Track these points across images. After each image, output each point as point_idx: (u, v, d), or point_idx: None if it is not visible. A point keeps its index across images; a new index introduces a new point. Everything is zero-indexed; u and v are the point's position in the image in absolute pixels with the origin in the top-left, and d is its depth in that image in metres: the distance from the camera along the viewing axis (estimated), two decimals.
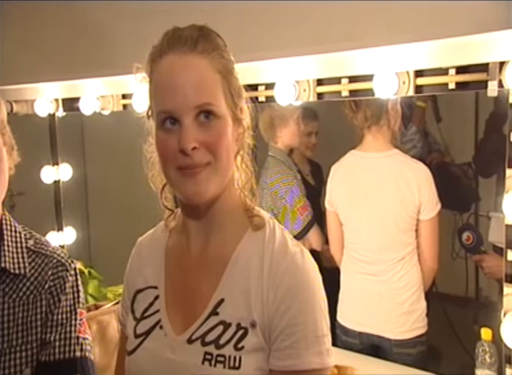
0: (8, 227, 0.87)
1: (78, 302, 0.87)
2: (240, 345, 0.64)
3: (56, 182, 1.83)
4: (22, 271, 0.84)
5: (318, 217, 1.80)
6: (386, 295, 1.48)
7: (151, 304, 0.73)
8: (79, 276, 0.90)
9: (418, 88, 1.14)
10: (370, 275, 1.50)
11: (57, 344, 0.82)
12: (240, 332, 0.65)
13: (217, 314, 0.66)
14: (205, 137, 0.63)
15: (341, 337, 1.55)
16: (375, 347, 1.52)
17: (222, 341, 0.65)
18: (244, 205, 0.70)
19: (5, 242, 0.84)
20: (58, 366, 0.82)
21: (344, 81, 1.26)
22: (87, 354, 0.85)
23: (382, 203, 1.47)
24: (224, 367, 0.64)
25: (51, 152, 1.81)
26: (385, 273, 1.48)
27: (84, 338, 0.86)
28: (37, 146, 1.77)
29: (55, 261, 0.86)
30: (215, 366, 0.65)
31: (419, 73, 1.14)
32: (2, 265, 0.82)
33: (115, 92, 1.66)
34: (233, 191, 0.70)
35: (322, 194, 1.77)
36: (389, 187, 1.47)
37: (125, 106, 1.66)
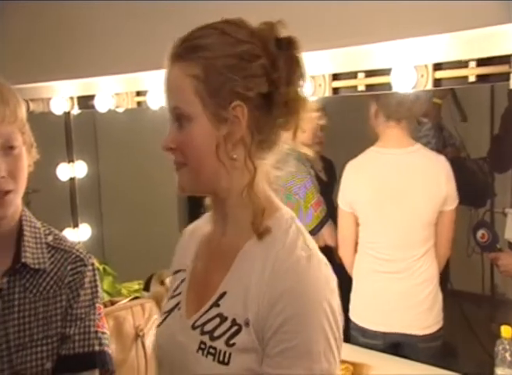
0: (28, 223, 0.88)
1: (96, 297, 0.88)
2: (231, 341, 0.64)
3: (72, 179, 1.85)
4: (42, 266, 0.84)
5: (331, 213, 1.80)
6: (408, 292, 1.46)
7: (178, 286, 0.77)
8: (96, 272, 0.91)
9: (437, 82, 1.13)
10: (391, 273, 1.48)
11: (76, 338, 0.84)
12: (234, 328, 0.64)
13: (218, 306, 0.67)
14: (178, 139, 0.67)
15: (360, 338, 1.52)
16: (396, 345, 1.50)
17: (216, 334, 0.65)
18: (254, 206, 0.68)
19: (25, 238, 0.85)
20: (78, 359, 0.84)
21: (360, 75, 1.25)
22: (105, 348, 0.86)
23: (408, 199, 1.45)
24: (214, 360, 0.64)
25: (67, 150, 1.82)
26: (407, 270, 1.46)
27: (103, 332, 0.87)
28: (53, 144, 1.78)
29: (73, 256, 0.87)
30: (206, 356, 0.65)
31: (438, 67, 1.12)
32: (23, 260, 0.83)
33: (130, 89, 1.67)
34: (243, 191, 0.69)
35: (334, 190, 1.76)
36: (415, 183, 1.45)
37: (139, 103, 1.66)
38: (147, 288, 1.77)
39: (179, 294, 0.75)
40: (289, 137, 0.69)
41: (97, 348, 0.85)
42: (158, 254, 2.19)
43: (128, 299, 1.53)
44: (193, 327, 0.68)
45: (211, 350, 0.65)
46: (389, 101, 1.46)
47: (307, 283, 0.63)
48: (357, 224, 1.58)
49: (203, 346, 0.66)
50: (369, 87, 1.24)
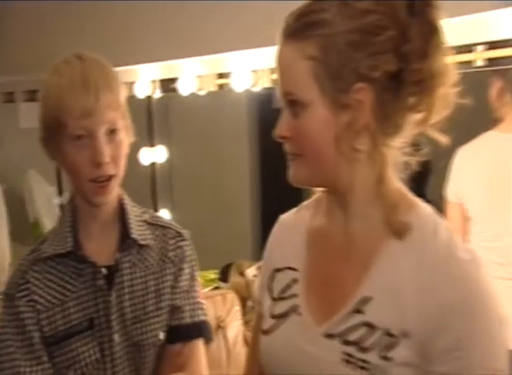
0: (127, 202, 0.90)
1: (196, 270, 0.91)
2: (388, 355, 0.56)
3: (153, 164, 1.84)
4: (147, 242, 0.87)
5: None
6: None
7: (289, 286, 0.68)
8: (192, 246, 0.92)
9: None
10: (507, 280, 1.29)
11: (185, 309, 0.87)
12: (389, 340, 0.56)
13: (361, 312, 0.59)
14: (293, 127, 0.61)
15: None
16: None
17: (365, 345, 0.57)
18: (387, 202, 0.60)
19: (129, 216, 0.88)
20: (188, 329, 0.87)
21: (479, 49, 1.09)
22: (207, 317, 0.90)
23: None
24: None
25: (148, 134, 1.81)
26: None
27: (202, 302, 0.90)
28: (135, 128, 1.77)
29: (173, 232, 0.90)
30: (355, 370, 0.57)
31: None
32: (133, 236, 0.86)
33: (212, 71, 1.61)
34: (371, 185, 0.61)
35: (428, 181, 1.59)
36: None
37: (221, 86, 1.60)
38: (223, 278, 1.73)
39: (293, 296, 0.67)
40: (419, 119, 0.59)
41: (202, 317, 0.88)
42: (230, 243, 2.15)
43: (209, 289, 1.49)
44: (328, 336, 0.60)
45: (363, 364, 0.57)
46: None
47: (479, 292, 0.56)
48: (466, 218, 1.39)
49: (348, 358, 0.58)
50: (491, 61, 1.08)
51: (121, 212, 0.87)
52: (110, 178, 0.81)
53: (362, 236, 0.62)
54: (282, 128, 0.61)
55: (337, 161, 0.59)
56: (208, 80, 1.62)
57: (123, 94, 0.84)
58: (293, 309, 0.66)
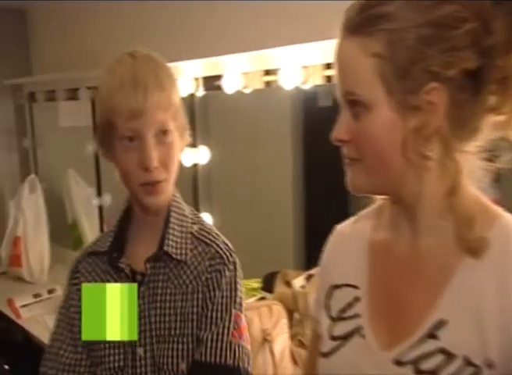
0: (176, 210, 0.84)
1: (234, 302, 0.80)
2: None
3: (195, 165, 1.76)
4: (183, 257, 0.80)
5: None
6: None
7: (350, 305, 0.63)
8: (239, 273, 0.82)
9: None
10: None
11: (209, 344, 0.78)
12: (469, 370, 0.52)
13: (436, 338, 0.54)
14: (353, 130, 0.57)
15: None
16: None
17: None
18: (461, 215, 0.55)
19: (171, 225, 0.81)
20: (211, 368, 0.78)
21: None
22: (240, 363, 0.77)
23: None
24: None
25: (191, 134, 1.73)
26: None
27: (240, 345, 0.78)
28: None
29: (213, 251, 0.81)
30: None
31: None
32: (165, 248, 0.79)
33: (259, 68, 1.52)
34: (442, 195, 0.57)
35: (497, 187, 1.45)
36: None
37: (268, 83, 1.51)
38: (266, 287, 1.64)
39: (355, 316, 0.62)
40: (501, 121, 0.54)
41: (230, 361, 0.77)
42: (272, 251, 2.05)
43: (254, 299, 1.41)
44: (398, 363, 0.55)
45: None
46: None
47: None
48: None
49: None
50: None
51: (166, 220, 0.82)
52: (159, 182, 0.78)
53: (433, 252, 0.56)
54: (340, 131, 0.57)
55: (403, 168, 0.54)
56: (254, 77, 1.53)
57: (177, 94, 0.80)
58: (356, 331, 0.60)
